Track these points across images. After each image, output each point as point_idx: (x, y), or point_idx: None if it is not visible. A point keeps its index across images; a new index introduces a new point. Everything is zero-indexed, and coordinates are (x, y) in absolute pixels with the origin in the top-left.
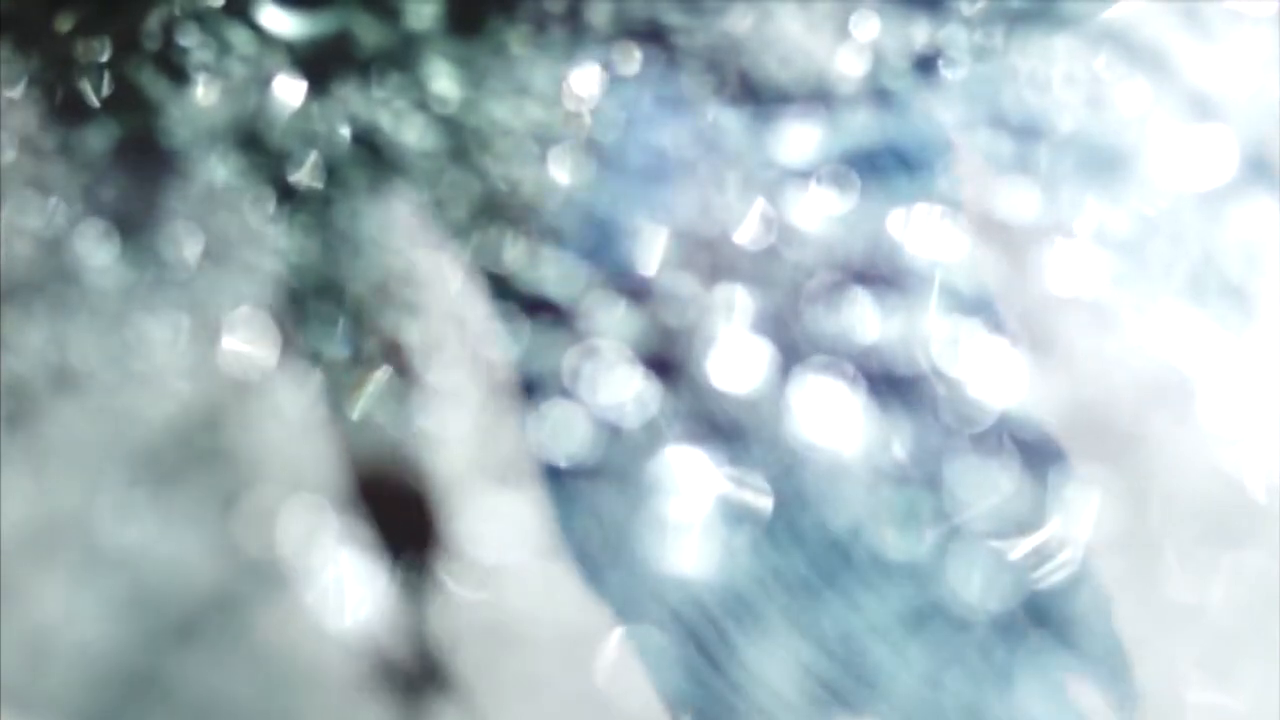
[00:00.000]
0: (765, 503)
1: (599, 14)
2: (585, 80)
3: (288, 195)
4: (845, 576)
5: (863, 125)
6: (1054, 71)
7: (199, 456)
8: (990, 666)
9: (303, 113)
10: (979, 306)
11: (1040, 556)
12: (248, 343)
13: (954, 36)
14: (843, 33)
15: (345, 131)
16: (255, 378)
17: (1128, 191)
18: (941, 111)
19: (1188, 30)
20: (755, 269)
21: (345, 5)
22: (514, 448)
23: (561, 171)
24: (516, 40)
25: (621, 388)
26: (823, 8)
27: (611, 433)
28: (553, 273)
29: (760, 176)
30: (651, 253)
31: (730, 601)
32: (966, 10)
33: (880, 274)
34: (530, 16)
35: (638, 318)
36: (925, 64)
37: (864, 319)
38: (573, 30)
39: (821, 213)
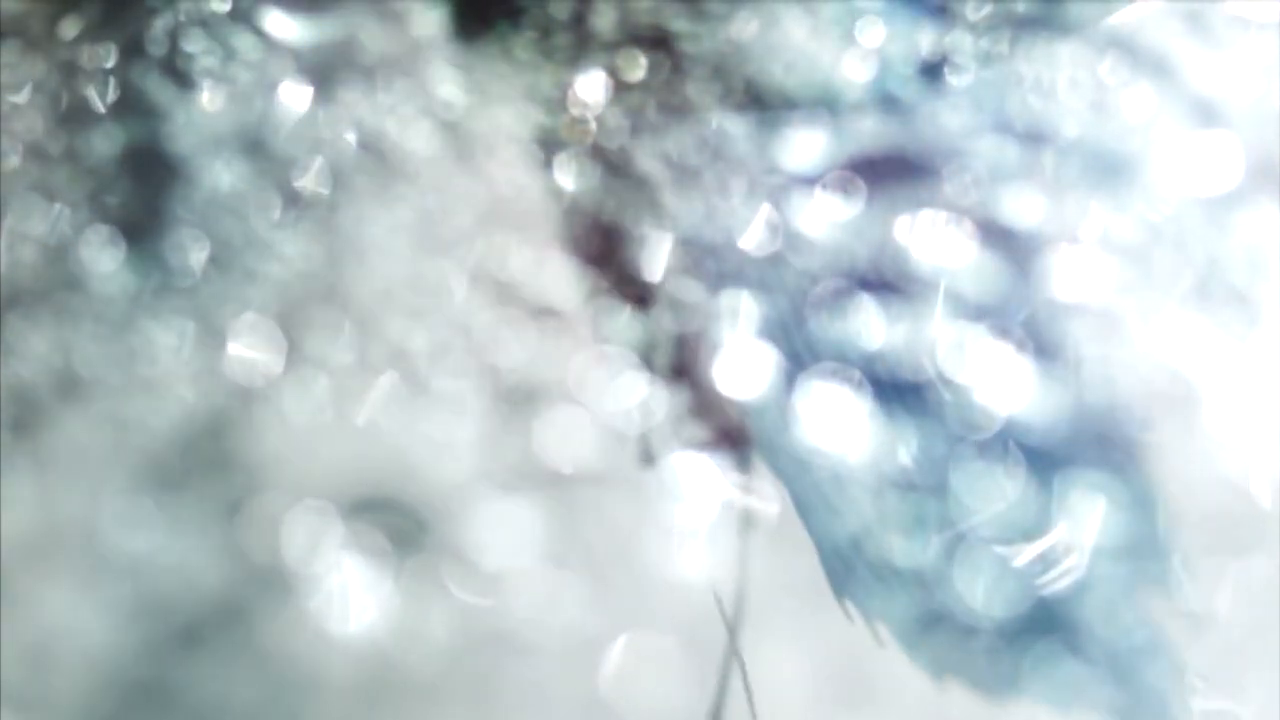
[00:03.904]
0: (772, 509)
1: (604, 21)
2: (590, 86)
3: (293, 201)
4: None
5: (868, 131)
6: (1059, 77)
7: (204, 463)
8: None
9: (308, 118)
10: (985, 313)
11: (1046, 562)
12: (253, 349)
13: (959, 43)
14: (848, 39)
15: (350, 137)
16: (260, 384)
17: (1133, 197)
18: (947, 117)
19: (1192, 36)
20: (761, 275)
21: (351, 11)
22: (519, 454)
23: (566, 177)
24: (521, 47)
25: (627, 394)
26: (828, 14)
27: (618, 439)
28: (558, 279)
29: (766, 183)
30: (657, 259)
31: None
32: (972, 17)
33: (886, 280)
34: (535, 23)
35: (644, 324)
36: (931, 70)
37: (870, 325)
38: (578, 37)
39: (827, 219)
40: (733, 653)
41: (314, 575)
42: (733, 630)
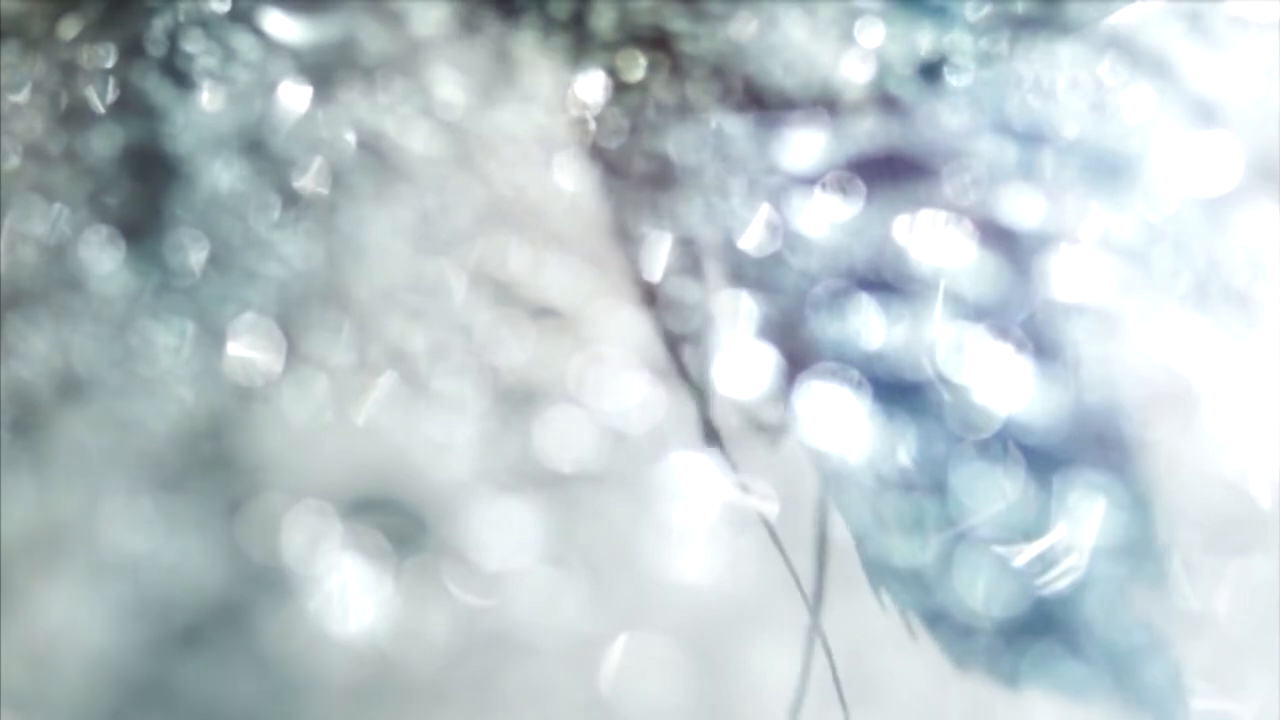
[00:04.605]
0: (771, 509)
1: (603, 21)
2: (590, 87)
3: (293, 201)
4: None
5: (868, 132)
6: (1058, 78)
7: (203, 463)
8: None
9: (308, 119)
10: (984, 313)
11: (1045, 562)
12: (252, 349)
13: (959, 43)
14: (848, 39)
15: (350, 137)
16: (260, 384)
17: (1132, 198)
18: (946, 118)
19: (1192, 37)
20: (761, 275)
21: (350, 11)
22: (519, 454)
23: (566, 177)
24: (521, 47)
25: (627, 394)
26: (827, 14)
27: (617, 439)
28: (557, 279)
29: (765, 183)
30: (657, 259)
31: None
32: (971, 17)
33: (885, 280)
34: (534, 23)
35: (643, 324)
36: (930, 70)
37: (869, 325)
38: (577, 37)
39: (827, 219)
40: (815, 637)
41: (313, 575)
42: (815, 617)
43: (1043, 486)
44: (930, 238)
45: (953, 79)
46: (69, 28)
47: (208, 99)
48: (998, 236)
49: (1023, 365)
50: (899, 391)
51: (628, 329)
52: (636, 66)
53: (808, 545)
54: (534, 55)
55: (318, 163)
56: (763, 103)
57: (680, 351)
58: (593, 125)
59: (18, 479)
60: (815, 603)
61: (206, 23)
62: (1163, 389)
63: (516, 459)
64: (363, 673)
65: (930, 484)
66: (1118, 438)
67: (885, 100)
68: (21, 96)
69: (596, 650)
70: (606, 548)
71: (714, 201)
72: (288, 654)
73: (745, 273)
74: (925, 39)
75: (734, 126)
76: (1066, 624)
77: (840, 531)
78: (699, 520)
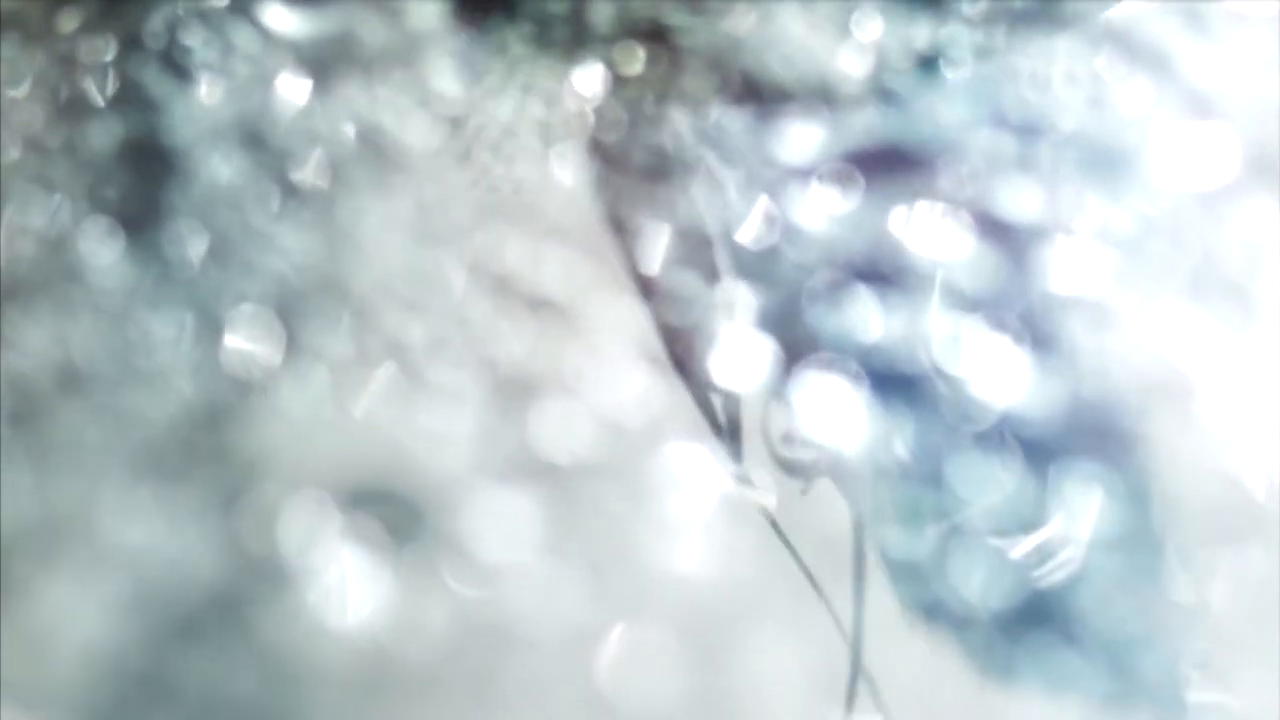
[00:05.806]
0: (768, 501)
1: (601, 14)
2: (588, 80)
3: (291, 194)
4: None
5: (865, 125)
6: (1055, 71)
7: (202, 455)
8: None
9: (306, 111)
10: (981, 305)
11: (1041, 555)
12: (251, 341)
13: (956, 36)
14: (845, 33)
15: (349, 130)
16: (258, 376)
17: (1129, 191)
18: (943, 111)
19: (1189, 30)
20: (758, 268)
21: (348, 4)
22: (517, 446)
23: (564, 170)
24: (519, 39)
25: (625, 386)
26: (825, 8)
27: (616, 431)
28: (556, 271)
29: (763, 176)
30: (654, 251)
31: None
32: (968, 10)
33: (882, 273)
34: (533, 16)
35: (641, 316)
36: (927, 64)
37: (866, 317)
38: (575, 30)
39: (824, 212)
40: (857, 668)
41: (311, 567)
42: (856, 645)
43: (1039, 479)
44: (927, 230)
45: (950, 72)
46: (68, 21)
47: (207, 92)
48: (995, 229)
49: (1019, 357)
50: (896, 383)
51: (626, 321)
52: (634, 60)
53: (806, 538)
54: (532, 48)
55: (316, 155)
56: (761, 96)
57: (678, 343)
58: (591, 118)
59: (16, 471)
60: (855, 639)
61: (205, 16)
62: (1159, 381)
63: (515, 451)
64: (360, 664)
65: (927, 475)
66: (1114, 430)
67: (883, 93)
68: (21, 90)
69: (594, 642)
70: (605, 540)
71: (712, 194)
72: (286, 645)
73: (743, 265)
74: (922, 32)
75: (732, 119)
76: (1063, 616)
77: (837, 522)
78: (697, 512)
